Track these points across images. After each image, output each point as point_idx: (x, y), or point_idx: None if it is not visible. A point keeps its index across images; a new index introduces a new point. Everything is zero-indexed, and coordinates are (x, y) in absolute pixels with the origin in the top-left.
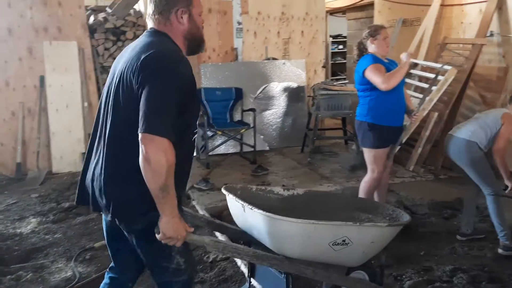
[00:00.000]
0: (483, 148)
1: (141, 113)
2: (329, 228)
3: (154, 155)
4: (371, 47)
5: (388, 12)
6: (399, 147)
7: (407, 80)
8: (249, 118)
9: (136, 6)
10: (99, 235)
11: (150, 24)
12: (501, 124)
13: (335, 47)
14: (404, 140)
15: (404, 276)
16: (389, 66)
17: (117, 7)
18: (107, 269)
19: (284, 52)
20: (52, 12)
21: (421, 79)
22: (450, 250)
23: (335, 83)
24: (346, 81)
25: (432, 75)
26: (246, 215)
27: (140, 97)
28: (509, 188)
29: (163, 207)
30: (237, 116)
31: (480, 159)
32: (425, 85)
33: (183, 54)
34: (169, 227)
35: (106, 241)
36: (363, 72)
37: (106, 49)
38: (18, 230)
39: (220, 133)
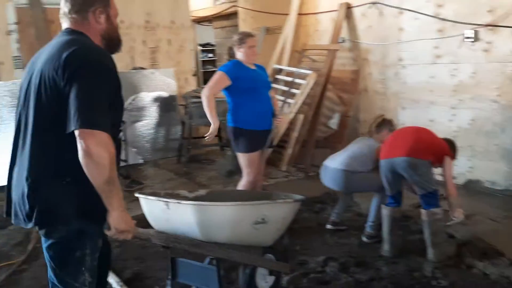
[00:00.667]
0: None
1: (73, 110)
2: (252, 208)
3: (95, 149)
4: (238, 54)
5: (251, 21)
6: (270, 149)
7: (274, 85)
8: None
9: None
10: None
11: (65, 23)
12: (375, 156)
13: (205, 56)
14: (273, 143)
15: (281, 272)
16: (253, 73)
17: None
18: None
19: (152, 61)
20: None
21: (286, 83)
22: (322, 241)
23: None
24: None
25: (299, 81)
26: (169, 213)
27: (68, 94)
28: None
29: (111, 201)
30: None
31: (358, 179)
32: (291, 90)
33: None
34: (121, 221)
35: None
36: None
37: None
38: None
39: None
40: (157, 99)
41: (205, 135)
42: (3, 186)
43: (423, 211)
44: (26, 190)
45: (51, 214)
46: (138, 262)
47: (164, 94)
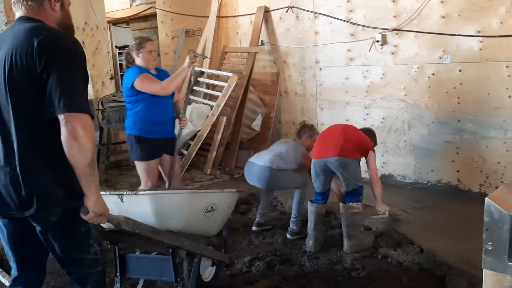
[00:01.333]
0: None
1: (57, 95)
2: (204, 196)
3: (81, 132)
4: (137, 60)
5: (171, 23)
6: (178, 156)
7: (196, 88)
8: None
9: None
10: None
11: (20, 11)
12: (301, 159)
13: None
14: (179, 149)
15: (222, 264)
16: (157, 77)
17: None
18: (11, 282)
19: None
20: None
21: (209, 86)
22: (247, 242)
23: None
24: None
25: (219, 83)
26: (123, 206)
27: (46, 80)
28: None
29: (90, 185)
30: None
31: (282, 177)
32: (213, 92)
33: None
34: (99, 204)
35: (10, 251)
36: (132, 84)
37: None
38: None
39: None
40: None
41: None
42: None
43: (341, 204)
44: (20, 179)
45: (48, 197)
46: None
47: None
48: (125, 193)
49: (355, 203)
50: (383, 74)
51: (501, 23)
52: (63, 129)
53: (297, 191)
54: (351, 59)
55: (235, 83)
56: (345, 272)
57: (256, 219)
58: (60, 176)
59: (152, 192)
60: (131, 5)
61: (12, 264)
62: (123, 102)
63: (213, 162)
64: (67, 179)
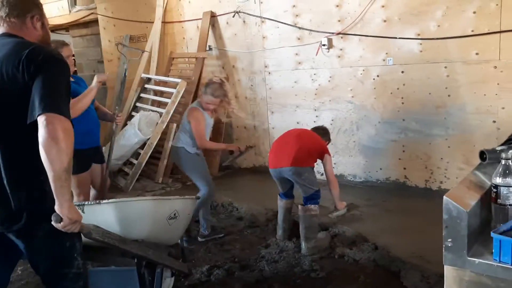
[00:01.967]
0: (193, 149)
1: (38, 98)
2: (167, 203)
3: (61, 134)
4: None
5: (113, 29)
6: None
7: (144, 95)
8: None
9: None
10: None
11: (1, 27)
12: (188, 122)
13: None
14: (111, 155)
15: (180, 273)
16: (76, 86)
17: None
18: None
19: None
20: None
21: (156, 93)
22: (205, 250)
23: None
24: None
25: (168, 89)
26: (85, 216)
27: (31, 88)
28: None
29: (63, 191)
30: None
31: (190, 160)
32: (162, 99)
33: None
34: (72, 211)
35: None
36: None
37: None
38: None
39: None
40: None
41: None
42: None
43: (300, 206)
44: (8, 192)
45: (37, 211)
46: None
47: None
48: (86, 203)
49: (312, 205)
50: (330, 77)
51: (438, 26)
52: (42, 131)
53: (201, 191)
54: (299, 63)
55: (184, 89)
56: (304, 274)
57: (200, 231)
58: (46, 187)
59: (116, 200)
60: (70, 11)
61: None
62: None
63: (164, 171)
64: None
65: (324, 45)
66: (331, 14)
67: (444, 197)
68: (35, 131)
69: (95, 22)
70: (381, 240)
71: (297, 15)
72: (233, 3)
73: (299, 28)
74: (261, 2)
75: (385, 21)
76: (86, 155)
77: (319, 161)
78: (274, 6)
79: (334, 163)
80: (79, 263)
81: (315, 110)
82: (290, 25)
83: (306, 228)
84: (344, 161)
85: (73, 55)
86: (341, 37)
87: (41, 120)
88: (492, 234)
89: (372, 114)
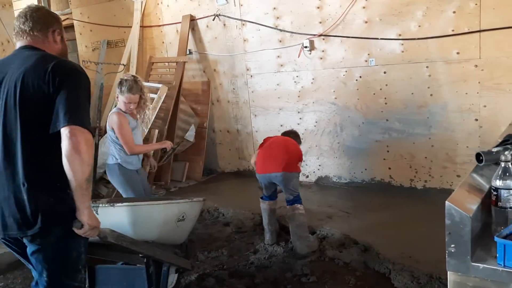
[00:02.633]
0: (130, 165)
1: (62, 109)
2: (176, 206)
3: (85, 147)
4: None
5: (90, 34)
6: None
7: None
8: None
9: None
10: None
11: (24, 40)
12: (112, 130)
13: None
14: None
15: (183, 271)
16: None
17: None
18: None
19: None
20: None
21: None
22: (193, 258)
23: None
24: None
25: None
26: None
27: (55, 99)
28: None
29: (84, 199)
30: None
31: (125, 177)
32: None
33: None
34: (92, 217)
35: (23, 260)
36: None
37: None
38: None
39: None
40: None
41: None
42: None
43: (288, 207)
44: (24, 197)
45: (52, 215)
46: None
47: None
48: (100, 205)
49: (299, 205)
50: (313, 78)
51: (419, 26)
52: (66, 143)
53: None
54: (281, 65)
55: (165, 94)
56: (295, 278)
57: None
58: (63, 194)
59: (129, 203)
60: None
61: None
62: None
63: (147, 177)
64: (69, 200)
65: (306, 47)
66: (312, 16)
67: (446, 202)
68: (57, 139)
69: (71, 27)
70: (369, 241)
71: (278, 18)
72: (213, 6)
73: (280, 30)
74: (241, 5)
75: (366, 22)
76: None
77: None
78: (255, 9)
79: (319, 165)
80: (82, 277)
81: (298, 112)
82: (271, 27)
83: (297, 226)
84: (329, 162)
85: None
86: (323, 39)
87: (65, 132)
88: (496, 239)
89: (355, 115)
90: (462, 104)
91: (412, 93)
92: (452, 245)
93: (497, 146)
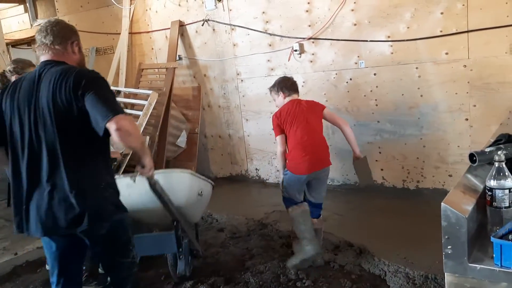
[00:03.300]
0: None
1: (100, 110)
2: (197, 179)
3: (129, 126)
4: None
5: None
6: None
7: None
8: None
9: None
10: None
11: (47, 54)
12: None
13: None
14: None
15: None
16: None
17: None
18: None
19: None
20: None
21: (127, 105)
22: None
23: None
24: None
25: (139, 101)
26: (135, 186)
27: (84, 105)
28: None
29: (145, 153)
30: None
31: None
32: (133, 111)
33: None
34: (151, 161)
35: (55, 263)
36: None
37: None
38: None
39: None
40: None
41: None
42: None
43: (316, 220)
44: (73, 201)
45: (98, 214)
46: None
47: None
48: (138, 175)
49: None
50: (303, 82)
51: (408, 27)
52: (115, 134)
53: None
54: (272, 69)
55: (155, 100)
56: (290, 283)
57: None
58: (106, 193)
59: (163, 170)
60: (32, 25)
61: (54, 278)
62: None
63: None
64: (112, 195)
65: (295, 50)
66: (301, 19)
67: (442, 204)
68: (95, 145)
69: None
70: (364, 243)
71: (267, 22)
72: (202, 12)
73: (270, 34)
74: (230, 10)
75: (355, 24)
76: None
77: None
78: (244, 13)
79: None
80: (134, 254)
81: None
82: (261, 31)
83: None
84: None
85: None
86: (313, 42)
87: (110, 126)
88: (493, 239)
89: (347, 117)
90: (453, 104)
91: (403, 94)
92: (449, 247)
93: (489, 146)
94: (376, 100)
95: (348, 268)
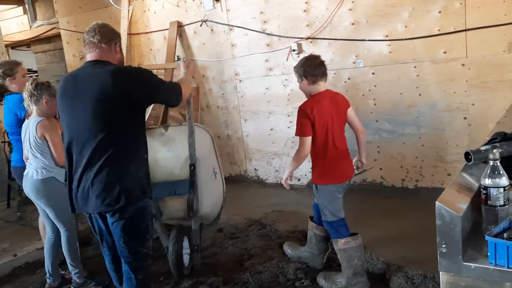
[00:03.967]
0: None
1: (159, 95)
2: (215, 157)
3: (185, 91)
4: (13, 87)
5: (77, 43)
6: None
7: None
8: None
9: None
10: None
11: (93, 53)
12: (41, 139)
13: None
14: None
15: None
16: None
17: None
18: (102, 249)
19: None
20: None
21: None
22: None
23: None
24: None
25: None
26: (166, 134)
27: (132, 97)
28: None
29: (186, 80)
30: None
31: (58, 192)
32: None
33: None
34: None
35: (104, 239)
36: (26, 115)
37: None
38: None
39: None
40: None
41: None
42: None
43: (340, 241)
44: (114, 182)
45: (131, 196)
46: None
47: None
48: (171, 125)
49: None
50: None
51: (406, 26)
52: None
53: (64, 235)
54: (270, 69)
55: None
56: (289, 283)
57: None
58: (136, 180)
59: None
60: (31, 27)
61: (99, 239)
62: None
63: None
64: (141, 182)
65: (294, 50)
66: (299, 19)
67: (437, 202)
68: (128, 134)
69: (57, 36)
70: (363, 242)
71: (265, 22)
72: (200, 12)
73: (268, 34)
74: (228, 10)
75: (353, 24)
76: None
77: None
78: (242, 14)
79: (311, 168)
80: (150, 245)
81: (288, 115)
82: (259, 31)
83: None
84: None
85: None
86: (311, 42)
87: (178, 101)
88: (487, 238)
89: None
90: (451, 103)
91: (401, 93)
92: (444, 245)
93: (485, 144)
94: (374, 99)
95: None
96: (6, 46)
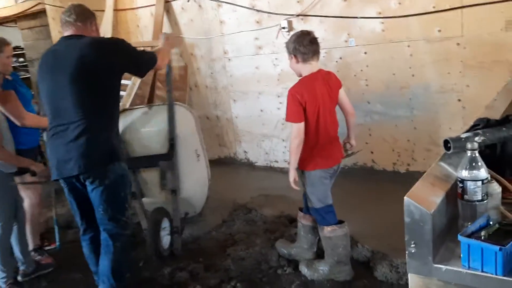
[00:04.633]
0: (7, 167)
1: (143, 58)
2: (196, 133)
3: (165, 57)
4: None
5: None
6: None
7: None
8: None
9: None
10: None
11: (70, 30)
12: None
13: (15, 60)
14: None
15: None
16: (15, 84)
17: None
18: (81, 236)
19: None
20: None
21: None
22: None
23: None
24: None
25: (123, 81)
26: (150, 112)
27: (109, 63)
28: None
29: (166, 51)
30: None
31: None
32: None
33: None
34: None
35: (76, 207)
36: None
37: None
38: None
39: None
40: None
41: None
42: None
43: (327, 228)
44: (89, 149)
45: (108, 158)
46: None
47: None
48: (155, 104)
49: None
50: None
51: (400, 3)
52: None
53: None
54: (260, 48)
55: (140, 80)
56: (271, 271)
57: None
58: (116, 142)
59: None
60: (16, 2)
61: (78, 220)
62: None
63: None
64: (117, 146)
65: (284, 28)
66: None
67: (405, 198)
68: (108, 100)
69: (43, 12)
70: (349, 228)
71: None
72: None
73: (257, 11)
74: None
75: (345, 0)
76: (28, 155)
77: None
78: None
79: None
80: (129, 214)
81: (278, 96)
82: (248, 8)
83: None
84: None
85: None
86: (301, 19)
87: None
88: (460, 238)
89: None
90: (445, 84)
91: (394, 74)
92: (413, 245)
93: (467, 131)
94: (366, 80)
95: None
96: None
